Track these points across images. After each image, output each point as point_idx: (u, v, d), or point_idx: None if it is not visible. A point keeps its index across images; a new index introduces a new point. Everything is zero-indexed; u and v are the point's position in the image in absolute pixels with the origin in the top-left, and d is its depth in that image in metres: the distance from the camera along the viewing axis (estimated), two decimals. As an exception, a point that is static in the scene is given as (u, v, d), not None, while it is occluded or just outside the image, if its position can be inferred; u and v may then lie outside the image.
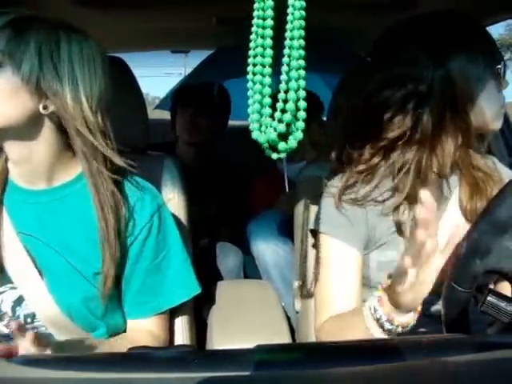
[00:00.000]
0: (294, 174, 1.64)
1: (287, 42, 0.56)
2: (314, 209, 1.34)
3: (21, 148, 0.98)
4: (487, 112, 1.11)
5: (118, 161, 1.00)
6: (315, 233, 1.23)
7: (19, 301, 1.02)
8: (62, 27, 0.97)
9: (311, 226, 1.26)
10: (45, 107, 0.95)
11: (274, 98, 0.58)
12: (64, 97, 0.95)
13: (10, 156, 1.01)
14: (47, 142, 0.99)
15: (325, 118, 1.63)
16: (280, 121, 0.57)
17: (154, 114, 2.84)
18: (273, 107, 0.58)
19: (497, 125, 1.15)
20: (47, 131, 0.98)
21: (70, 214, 1.04)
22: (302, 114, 0.57)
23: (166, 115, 2.43)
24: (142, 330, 1.10)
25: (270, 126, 0.57)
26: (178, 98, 2.25)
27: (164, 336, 1.13)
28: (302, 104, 0.57)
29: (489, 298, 0.71)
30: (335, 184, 1.18)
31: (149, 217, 1.06)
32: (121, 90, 1.30)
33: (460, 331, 0.77)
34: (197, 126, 2.19)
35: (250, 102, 0.58)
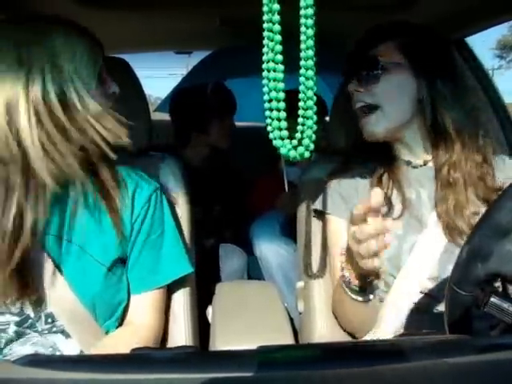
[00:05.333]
0: (296, 176, 1.64)
1: (302, 71, 0.58)
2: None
3: None
4: None
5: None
6: (319, 213, 1.36)
7: (40, 302, 1.03)
8: None
9: (313, 213, 1.37)
10: None
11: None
12: None
13: None
14: None
15: (327, 118, 1.63)
16: (302, 134, 0.60)
17: (155, 115, 2.83)
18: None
19: None
20: None
21: (83, 207, 1.08)
22: (315, 127, 0.60)
23: (166, 116, 2.43)
24: (133, 321, 1.13)
25: (294, 138, 0.62)
26: (216, 103, 2.22)
27: (154, 323, 1.16)
28: (315, 118, 0.60)
29: (492, 299, 0.71)
30: (332, 168, 1.34)
31: (147, 198, 1.14)
32: (123, 90, 1.30)
33: (463, 332, 0.77)
34: (231, 132, 2.20)
35: (266, 106, 0.62)
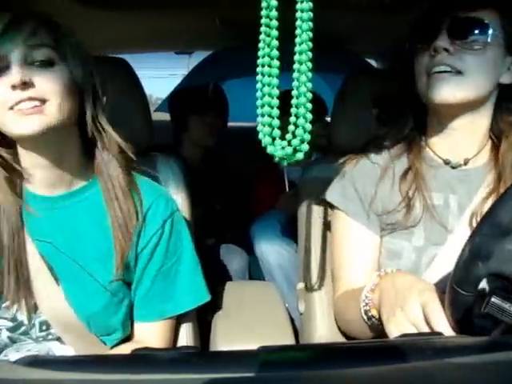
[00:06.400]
0: (297, 175, 1.64)
1: (295, 66, 0.57)
2: (317, 209, 1.34)
3: (53, 151, 0.98)
4: None
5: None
6: (326, 203, 1.26)
7: (34, 309, 1.01)
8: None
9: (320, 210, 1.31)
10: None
11: (281, 99, 0.59)
12: (89, 95, 0.97)
13: (39, 161, 0.98)
14: (75, 146, 1.01)
15: (328, 119, 1.63)
16: (293, 135, 0.58)
17: (155, 115, 2.83)
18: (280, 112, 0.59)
19: None
20: (76, 134, 1.00)
21: (87, 220, 1.04)
22: (308, 127, 0.58)
23: (167, 116, 2.43)
24: (141, 341, 1.09)
25: (284, 139, 0.59)
26: (192, 101, 2.24)
27: (164, 344, 1.12)
28: (309, 116, 0.58)
29: (493, 300, 0.71)
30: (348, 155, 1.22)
31: (161, 222, 1.07)
32: (124, 91, 1.30)
33: (464, 333, 0.76)
34: (215, 130, 2.20)
35: (258, 103, 0.59)
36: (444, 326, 0.81)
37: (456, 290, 0.74)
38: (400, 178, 1.14)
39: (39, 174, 1.00)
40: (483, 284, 0.73)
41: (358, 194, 1.17)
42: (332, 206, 1.23)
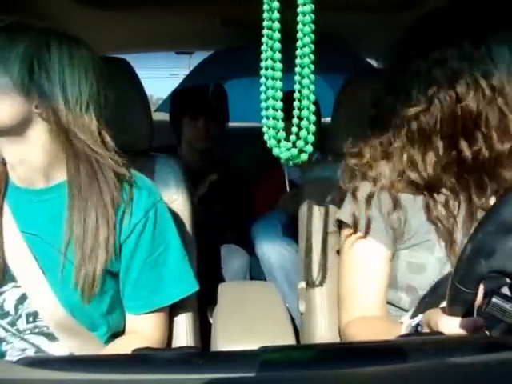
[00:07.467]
0: (298, 175, 1.64)
1: (297, 69, 0.58)
2: (317, 209, 1.34)
3: (17, 149, 1.01)
4: None
5: (110, 161, 1.03)
6: (340, 223, 1.19)
7: (22, 299, 1.03)
8: (53, 33, 1.00)
9: (317, 223, 1.26)
10: (36, 107, 0.98)
11: (285, 101, 0.59)
12: (53, 98, 0.97)
13: (7, 158, 1.03)
14: (42, 142, 1.01)
15: (329, 119, 1.62)
16: (298, 136, 0.59)
17: (156, 115, 2.83)
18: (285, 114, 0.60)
19: None
20: (42, 131, 1.00)
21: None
22: (312, 129, 0.58)
23: (168, 116, 2.43)
24: (136, 332, 1.11)
25: (288, 141, 0.60)
26: (185, 103, 2.24)
27: (158, 337, 1.13)
28: (312, 118, 0.59)
29: (493, 300, 0.71)
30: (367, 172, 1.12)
31: (143, 213, 1.07)
32: (125, 91, 1.30)
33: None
34: (208, 133, 2.20)
35: (263, 105, 0.61)
36: (446, 326, 0.79)
37: (457, 287, 0.73)
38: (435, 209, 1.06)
39: (10, 168, 1.05)
40: (484, 284, 0.73)
41: (385, 220, 1.09)
42: (342, 225, 1.17)
